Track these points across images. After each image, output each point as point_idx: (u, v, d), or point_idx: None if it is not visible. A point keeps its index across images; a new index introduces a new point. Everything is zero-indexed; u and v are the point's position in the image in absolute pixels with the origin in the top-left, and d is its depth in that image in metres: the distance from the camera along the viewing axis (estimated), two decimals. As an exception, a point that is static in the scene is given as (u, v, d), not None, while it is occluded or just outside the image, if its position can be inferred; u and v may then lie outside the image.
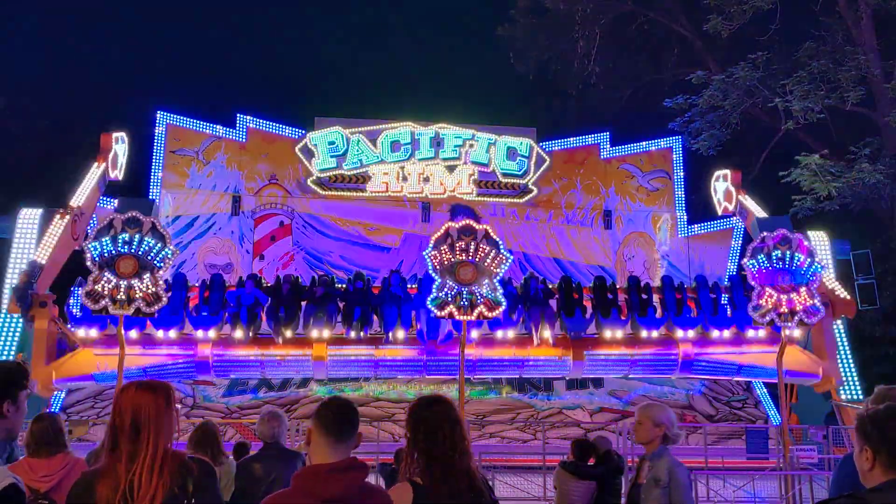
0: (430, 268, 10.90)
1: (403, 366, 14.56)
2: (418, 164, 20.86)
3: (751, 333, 14.00)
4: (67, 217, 14.28)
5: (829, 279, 14.80)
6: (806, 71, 20.14)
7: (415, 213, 20.86)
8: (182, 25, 31.87)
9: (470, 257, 10.64)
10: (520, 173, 21.16)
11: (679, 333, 14.10)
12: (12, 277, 14.64)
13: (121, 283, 9.96)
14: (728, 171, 18.38)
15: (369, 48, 33.99)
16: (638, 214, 21.59)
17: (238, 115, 20.88)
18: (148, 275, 10.06)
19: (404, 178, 20.80)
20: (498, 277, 10.82)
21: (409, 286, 14.22)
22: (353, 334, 13.55)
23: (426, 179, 20.85)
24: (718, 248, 20.89)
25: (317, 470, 2.70)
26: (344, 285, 14.34)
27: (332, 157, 20.68)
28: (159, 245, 10.22)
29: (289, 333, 13.50)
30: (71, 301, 16.79)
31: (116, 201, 15.76)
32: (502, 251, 10.85)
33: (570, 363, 14.30)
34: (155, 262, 10.16)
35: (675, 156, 22.06)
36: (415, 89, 29.35)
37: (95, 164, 16.00)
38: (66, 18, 30.15)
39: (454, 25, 33.39)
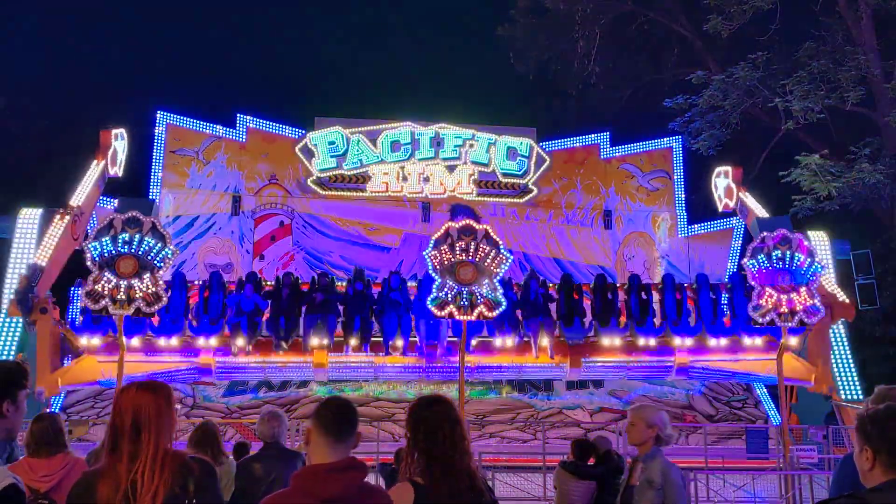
0: (430, 268, 10.90)
1: (403, 372, 14.70)
2: (418, 164, 20.86)
3: (747, 342, 14.11)
4: (67, 217, 14.28)
5: (829, 283, 14.80)
6: (806, 71, 20.13)
7: (415, 213, 20.86)
8: (182, 25, 31.86)
9: (470, 257, 10.63)
10: (520, 173, 21.16)
11: (676, 341, 14.22)
12: (12, 278, 14.65)
13: (121, 282, 9.95)
14: (729, 168, 18.40)
15: (369, 48, 33.99)
16: (638, 214, 21.59)
17: (238, 115, 20.88)
18: (148, 275, 10.06)
19: (404, 178, 20.80)
20: (498, 277, 10.82)
21: (409, 283, 14.27)
22: (353, 342, 13.58)
23: (426, 179, 20.85)
24: (718, 248, 20.89)
25: (316, 470, 2.70)
26: (344, 284, 14.35)
27: (332, 157, 20.68)
28: (159, 245, 10.22)
29: (287, 346, 13.66)
30: (71, 307, 16.84)
31: (116, 201, 15.76)
32: (502, 251, 10.85)
33: (568, 370, 14.67)
34: (155, 262, 10.16)
35: (675, 156, 22.07)
36: (415, 89, 29.34)
37: (95, 162, 16.00)
38: (66, 18, 30.13)
39: (454, 25, 33.38)
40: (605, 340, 14.07)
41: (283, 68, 31.63)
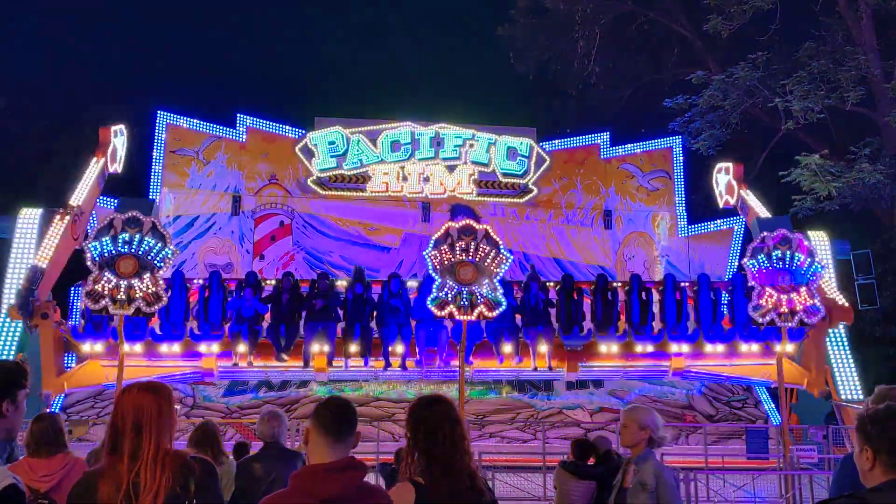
0: (430, 267, 10.90)
1: (403, 372, 14.81)
2: (418, 164, 20.86)
3: (744, 348, 14.19)
4: (67, 217, 14.28)
5: (829, 286, 14.79)
6: (806, 71, 20.13)
7: (415, 213, 20.85)
8: (182, 25, 31.88)
9: (470, 257, 10.63)
10: (520, 173, 21.16)
11: (674, 348, 14.30)
12: (12, 278, 14.66)
13: (121, 282, 9.96)
14: (730, 165, 18.43)
15: (369, 48, 34.00)
16: (638, 214, 21.58)
17: (238, 115, 20.86)
18: (148, 275, 10.06)
19: (404, 178, 20.80)
20: (498, 277, 10.81)
21: (410, 283, 14.29)
22: (353, 349, 13.63)
23: (426, 179, 20.84)
24: (718, 248, 20.89)
25: (315, 470, 2.70)
26: (344, 283, 14.34)
27: (332, 157, 20.68)
28: (159, 245, 10.22)
29: (288, 355, 13.75)
30: (71, 308, 16.85)
31: (117, 201, 15.77)
32: (502, 251, 10.85)
33: (564, 374, 14.89)
34: (155, 261, 10.17)
35: (675, 156, 22.05)
36: (415, 89, 29.35)
37: (94, 160, 16.01)
38: (66, 18, 30.15)
39: (454, 25, 33.39)
40: (603, 347, 14.20)
41: (283, 68, 31.65)
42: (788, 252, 10.84)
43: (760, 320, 10.85)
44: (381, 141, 20.73)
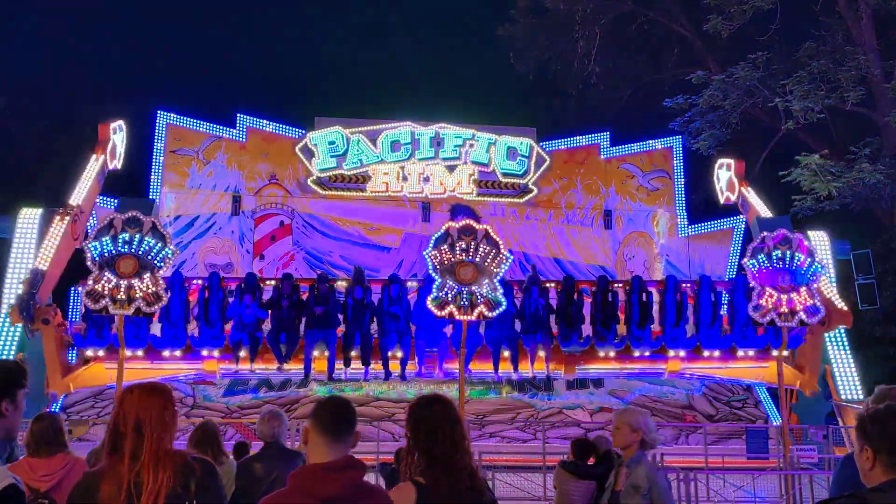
0: (430, 267, 10.91)
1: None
2: (418, 164, 20.85)
3: (740, 353, 14.31)
4: (67, 218, 14.29)
5: (828, 289, 14.80)
6: (806, 71, 20.13)
7: (415, 212, 20.85)
8: (182, 25, 31.86)
9: (470, 257, 10.63)
10: (520, 173, 21.15)
11: (671, 353, 14.39)
12: (12, 278, 14.66)
13: (121, 282, 9.96)
14: (731, 161, 18.46)
15: (369, 48, 33.99)
16: (638, 214, 21.58)
17: (238, 115, 20.86)
18: (148, 274, 10.06)
19: (404, 178, 20.80)
20: (498, 277, 10.82)
21: (410, 283, 14.30)
22: (353, 353, 13.71)
23: (426, 179, 20.84)
24: (718, 247, 20.88)
25: (314, 469, 2.70)
26: (344, 284, 14.35)
27: (332, 156, 20.68)
28: (159, 245, 10.22)
29: (289, 362, 13.84)
30: (71, 308, 16.85)
31: (117, 201, 15.77)
32: (502, 251, 10.85)
33: (562, 375, 15.35)
34: (155, 261, 10.17)
35: (675, 155, 22.05)
36: (415, 89, 29.33)
37: (94, 157, 16.02)
38: (66, 18, 30.13)
39: (454, 25, 33.37)
40: (601, 353, 14.40)
41: (283, 68, 31.63)
42: (788, 252, 10.83)
43: (760, 320, 10.85)
44: (381, 141, 20.72)
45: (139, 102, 21.56)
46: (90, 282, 10.03)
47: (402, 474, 3.07)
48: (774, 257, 10.83)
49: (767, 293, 10.72)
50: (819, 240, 16.75)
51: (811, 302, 10.69)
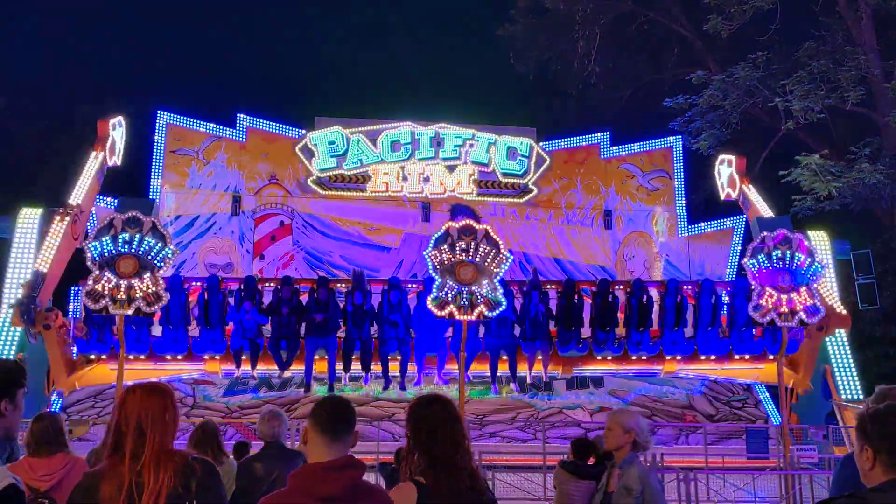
0: (430, 267, 10.91)
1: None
2: (418, 164, 20.85)
3: (736, 356, 14.38)
4: (67, 218, 14.29)
5: (828, 293, 14.81)
6: (806, 71, 20.13)
7: (415, 212, 20.85)
8: (182, 25, 31.87)
9: (470, 257, 10.64)
10: (520, 173, 21.15)
11: (668, 357, 14.51)
12: (12, 278, 14.67)
13: (121, 282, 9.96)
14: (733, 157, 18.48)
15: (369, 48, 34.00)
16: (638, 214, 21.58)
17: (238, 114, 20.86)
18: (148, 274, 10.06)
19: (404, 178, 20.79)
20: (498, 277, 10.82)
21: (410, 285, 14.31)
22: (353, 364, 13.83)
23: (426, 179, 20.84)
24: (718, 247, 20.87)
25: (313, 469, 2.70)
26: (343, 286, 14.35)
27: (332, 156, 20.67)
28: (159, 245, 10.22)
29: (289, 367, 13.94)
30: (71, 308, 16.84)
31: (117, 201, 15.78)
32: (502, 251, 10.86)
33: (559, 374, 15.70)
34: (155, 261, 10.17)
35: (675, 155, 22.04)
36: (415, 89, 29.33)
37: (94, 154, 16.01)
38: (66, 18, 30.14)
39: (454, 25, 33.38)
40: (599, 357, 14.58)
41: (283, 68, 31.65)
42: (789, 252, 10.83)
43: (760, 320, 10.84)
44: (381, 141, 20.72)
45: (139, 102, 21.58)
46: (90, 282, 10.03)
47: (403, 474, 3.07)
48: (774, 257, 10.82)
49: (767, 293, 10.72)
50: (819, 240, 16.75)
51: (811, 302, 10.68)
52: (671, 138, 22.33)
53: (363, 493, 2.71)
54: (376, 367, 14.13)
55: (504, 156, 21.04)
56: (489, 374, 14.94)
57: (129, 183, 19.32)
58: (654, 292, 14.84)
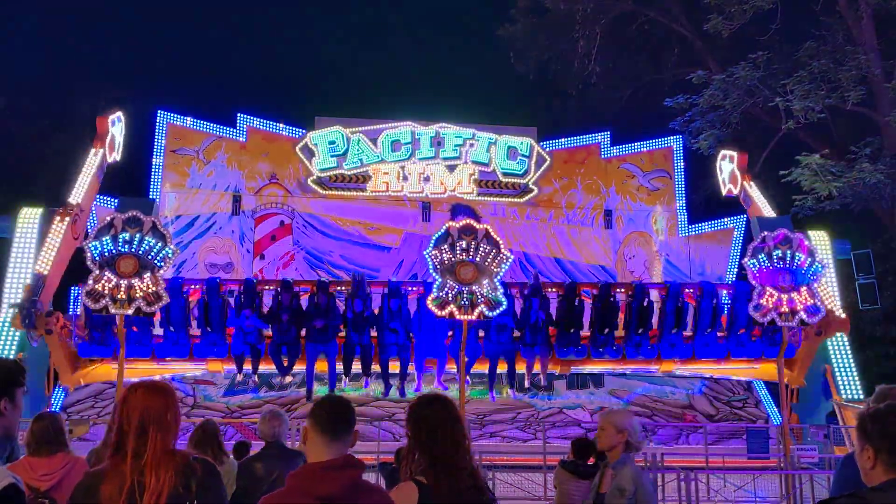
0: (430, 267, 10.92)
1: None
2: (419, 164, 20.86)
3: (733, 360, 14.47)
4: (67, 218, 14.30)
5: (828, 297, 14.81)
6: (806, 71, 20.11)
7: (415, 212, 20.85)
8: (182, 25, 31.86)
9: (470, 257, 10.64)
10: (520, 173, 21.15)
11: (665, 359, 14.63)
12: (12, 278, 14.67)
13: (121, 282, 9.96)
14: (735, 153, 18.48)
15: (369, 48, 34.00)
16: (638, 214, 21.58)
17: (238, 114, 20.88)
18: (148, 274, 10.06)
19: (405, 178, 20.79)
20: (498, 277, 10.82)
21: (410, 287, 14.31)
22: (353, 370, 13.87)
23: (426, 179, 20.84)
24: (718, 247, 20.88)
25: (312, 468, 2.69)
26: (343, 288, 14.33)
27: (332, 156, 20.67)
28: (160, 244, 10.22)
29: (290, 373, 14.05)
30: (71, 308, 16.84)
31: (117, 201, 15.78)
32: (503, 251, 10.86)
33: (557, 372, 15.75)
34: (155, 261, 10.17)
35: (675, 155, 22.06)
36: (415, 89, 29.33)
37: (93, 151, 16.02)
38: (66, 18, 30.13)
39: (454, 25, 33.38)
40: (597, 359, 14.75)
41: (283, 68, 31.63)
42: (789, 252, 10.83)
43: (761, 320, 10.84)
44: (381, 141, 20.72)
45: (139, 102, 21.57)
46: (90, 281, 10.03)
47: (403, 474, 3.06)
48: (775, 257, 10.83)
49: (768, 293, 10.72)
50: (819, 239, 16.75)
51: (811, 302, 10.69)
52: (671, 138, 22.34)
53: (363, 493, 2.71)
54: (376, 368, 14.15)
55: (504, 155, 21.05)
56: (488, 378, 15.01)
57: (129, 183, 19.32)
58: (654, 294, 14.84)
